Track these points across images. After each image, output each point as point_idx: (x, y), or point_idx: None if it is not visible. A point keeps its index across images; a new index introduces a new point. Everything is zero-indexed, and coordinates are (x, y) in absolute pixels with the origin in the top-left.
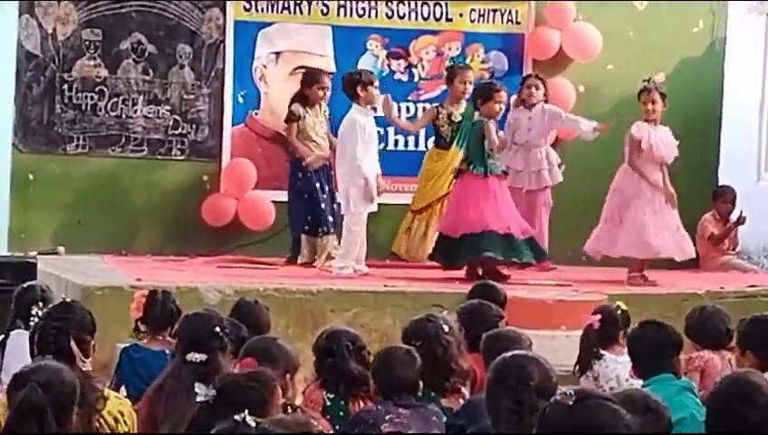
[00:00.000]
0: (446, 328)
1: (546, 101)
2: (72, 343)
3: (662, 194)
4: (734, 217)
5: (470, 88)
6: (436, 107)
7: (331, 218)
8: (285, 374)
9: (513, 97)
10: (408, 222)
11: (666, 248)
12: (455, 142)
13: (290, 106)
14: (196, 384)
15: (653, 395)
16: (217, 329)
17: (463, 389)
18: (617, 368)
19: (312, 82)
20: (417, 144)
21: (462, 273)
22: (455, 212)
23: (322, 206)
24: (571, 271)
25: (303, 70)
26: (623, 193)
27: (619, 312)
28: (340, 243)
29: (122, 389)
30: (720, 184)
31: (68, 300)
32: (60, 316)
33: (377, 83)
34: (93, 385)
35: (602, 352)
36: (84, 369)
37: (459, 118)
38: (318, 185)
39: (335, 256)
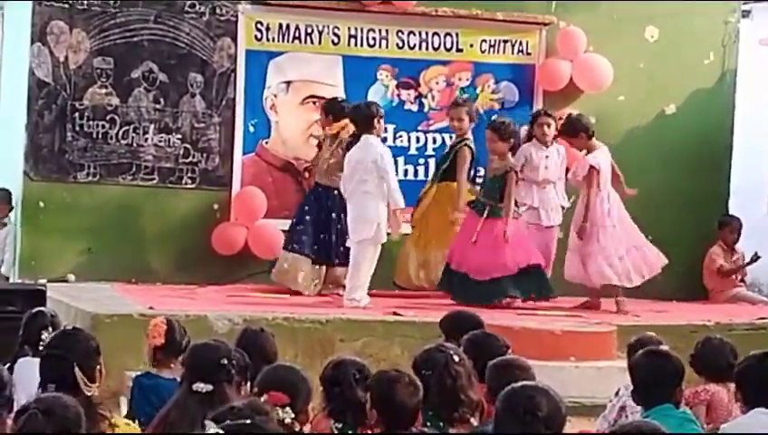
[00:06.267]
0: (456, 358)
1: (556, 136)
2: (76, 370)
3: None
4: (739, 247)
5: (460, 124)
6: None
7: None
8: (305, 405)
9: (523, 130)
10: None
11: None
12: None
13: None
14: (206, 422)
15: (661, 427)
16: (225, 360)
17: (472, 419)
18: None
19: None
20: (426, 174)
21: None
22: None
23: None
24: (580, 302)
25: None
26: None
27: None
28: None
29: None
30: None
31: (70, 327)
32: (62, 343)
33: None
34: (100, 412)
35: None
36: (90, 394)
37: (446, 149)
38: None
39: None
